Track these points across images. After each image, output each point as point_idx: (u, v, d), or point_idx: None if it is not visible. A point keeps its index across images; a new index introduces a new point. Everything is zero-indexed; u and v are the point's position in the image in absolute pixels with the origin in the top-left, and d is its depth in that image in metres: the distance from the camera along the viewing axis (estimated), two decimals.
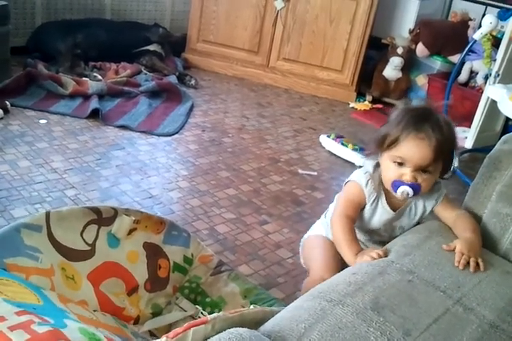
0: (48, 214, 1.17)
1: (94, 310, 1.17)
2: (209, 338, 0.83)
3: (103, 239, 1.27)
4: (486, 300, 1.03)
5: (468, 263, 1.13)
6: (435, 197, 1.34)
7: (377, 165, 1.32)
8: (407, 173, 1.23)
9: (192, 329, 0.83)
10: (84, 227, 1.24)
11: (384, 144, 1.25)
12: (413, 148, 1.21)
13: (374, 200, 1.32)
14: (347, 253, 1.23)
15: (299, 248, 1.60)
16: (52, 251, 1.15)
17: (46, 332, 0.86)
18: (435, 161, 1.21)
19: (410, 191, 1.23)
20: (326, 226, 1.46)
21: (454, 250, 1.17)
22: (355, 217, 1.32)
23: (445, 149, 1.21)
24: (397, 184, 1.25)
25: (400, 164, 1.23)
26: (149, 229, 1.38)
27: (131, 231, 1.34)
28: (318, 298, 0.98)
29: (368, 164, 1.35)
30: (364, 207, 1.33)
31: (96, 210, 1.28)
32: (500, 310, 1.02)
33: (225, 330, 0.85)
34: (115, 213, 1.31)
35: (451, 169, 1.31)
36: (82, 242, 1.23)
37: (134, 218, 1.33)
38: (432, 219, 1.36)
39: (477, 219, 1.33)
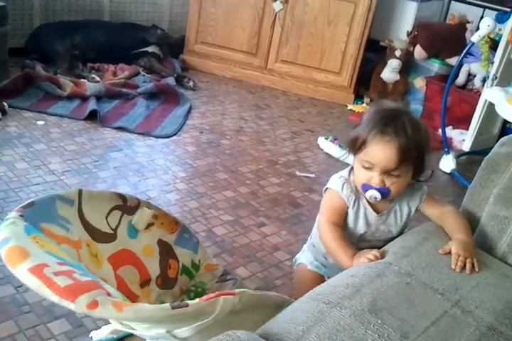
0: (80, 192, 1.19)
1: None
2: (235, 310, 0.89)
3: (124, 227, 1.29)
4: (483, 303, 1.03)
5: (464, 265, 1.13)
6: (418, 196, 1.33)
7: (352, 169, 1.31)
8: (375, 177, 1.22)
9: (222, 296, 0.89)
10: (110, 211, 1.27)
11: (355, 147, 1.25)
12: (379, 152, 1.19)
13: (355, 202, 1.30)
14: (343, 259, 1.22)
15: (292, 265, 1.58)
16: (80, 226, 1.17)
17: (88, 281, 0.89)
18: (402, 164, 1.20)
19: (378, 195, 1.23)
20: (312, 248, 1.46)
21: (449, 252, 1.16)
22: (341, 223, 1.31)
23: (411, 152, 1.19)
24: (366, 187, 1.24)
25: (368, 168, 1.23)
26: (164, 227, 1.40)
27: (148, 226, 1.35)
28: (316, 301, 0.98)
29: (345, 169, 1.35)
30: (347, 213, 1.32)
31: (122, 197, 1.30)
32: (498, 312, 1.02)
33: (250, 305, 0.92)
34: (138, 203, 1.34)
35: (427, 171, 1.29)
36: (106, 225, 1.25)
37: (154, 212, 1.35)
38: (428, 221, 1.36)
39: (475, 221, 1.33)
